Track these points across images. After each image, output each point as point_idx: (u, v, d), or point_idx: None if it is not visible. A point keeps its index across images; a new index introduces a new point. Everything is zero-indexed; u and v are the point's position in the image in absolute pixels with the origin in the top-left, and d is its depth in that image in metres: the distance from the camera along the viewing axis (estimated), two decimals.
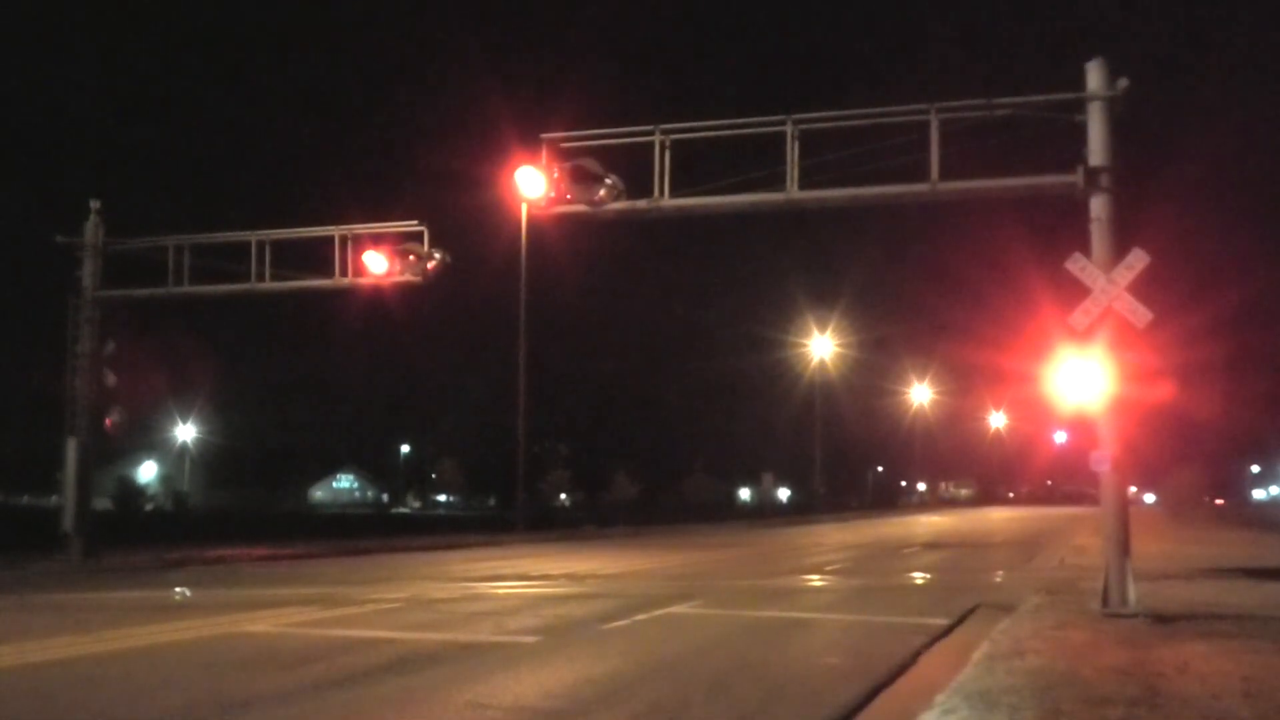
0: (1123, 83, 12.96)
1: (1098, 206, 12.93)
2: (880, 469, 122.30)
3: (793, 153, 15.17)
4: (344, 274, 20.85)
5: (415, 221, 20.61)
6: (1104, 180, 12.91)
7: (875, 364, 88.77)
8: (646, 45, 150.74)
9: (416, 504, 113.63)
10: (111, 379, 23.36)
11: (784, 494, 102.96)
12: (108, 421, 23.55)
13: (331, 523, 58.11)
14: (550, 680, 8.87)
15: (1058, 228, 15.52)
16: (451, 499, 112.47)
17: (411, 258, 20.13)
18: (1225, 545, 28.73)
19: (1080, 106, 13.20)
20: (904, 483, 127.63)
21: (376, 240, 20.59)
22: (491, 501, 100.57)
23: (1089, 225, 12.93)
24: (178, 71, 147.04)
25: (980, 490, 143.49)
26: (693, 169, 15.96)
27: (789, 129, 15.18)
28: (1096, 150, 13.03)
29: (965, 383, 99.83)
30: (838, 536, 39.78)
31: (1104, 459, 12.50)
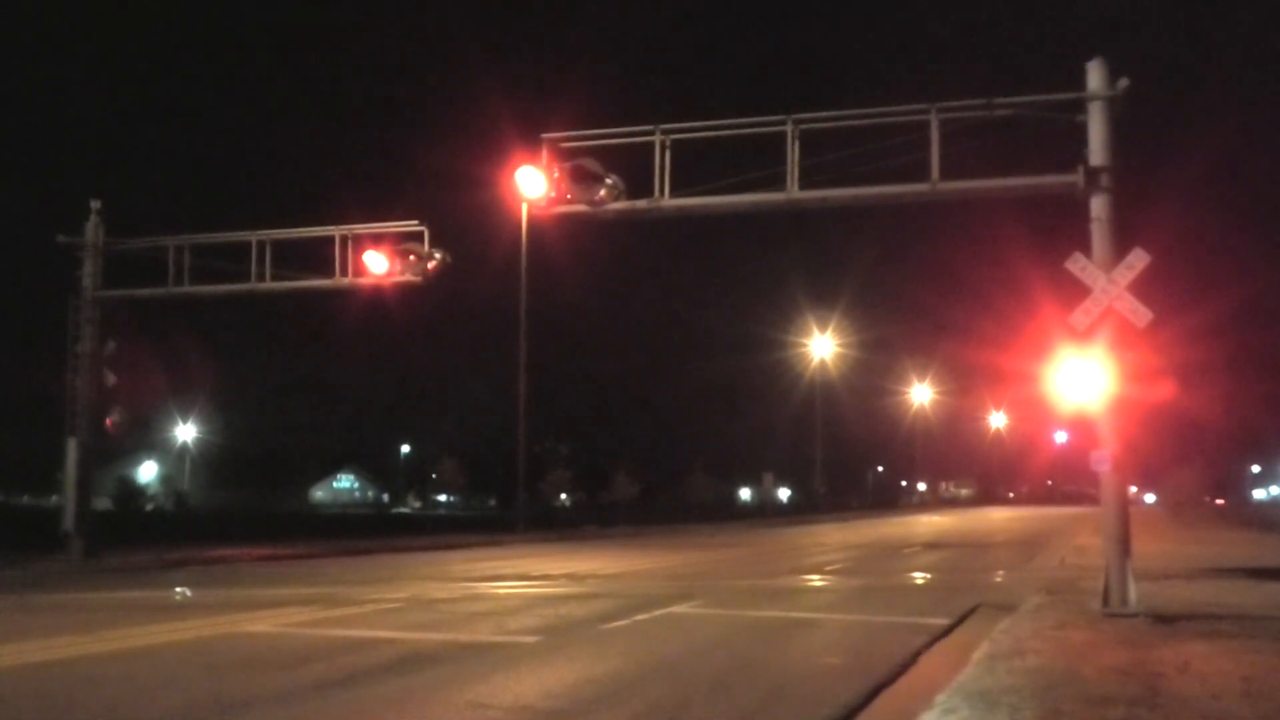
0: (1123, 83, 12.96)
1: (1098, 206, 12.93)
2: (880, 469, 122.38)
3: (793, 152, 15.17)
4: (344, 274, 20.86)
5: (415, 221, 20.63)
6: (1104, 180, 12.91)
7: (876, 364, 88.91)
8: (647, 45, 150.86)
9: (417, 504, 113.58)
10: (112, 379, 23.38)
11: (784, 494, 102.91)
12: (108, 421, 23.57)
13: (332, 523, 58.14)
14: (551, 680, 8.87)
15: (1058, 227, 15.53)
16: (452, 499, 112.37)
17: (412, 258, 20.13)
18: (1225, 545, 28.72)
19: (1080, 106, 13.20)
20: (904, 483, 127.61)
21: (377, 240, 20.60)
22: (492, 501, 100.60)
23: (1089, 225, 12.93)
24: (178, 71, 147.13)
25: (980, 490, 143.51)
26: (693, 169, 15.97)
27: (789, 129, 15.18)
28: (1097, 150, 13.03)
29: (966, 382, 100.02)
30: (838, 536, 39.77)
31: (1104, 459, 12.50)
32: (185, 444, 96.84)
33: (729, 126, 15.83)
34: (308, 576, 19.97)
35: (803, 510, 79.24)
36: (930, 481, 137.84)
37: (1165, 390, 13.14)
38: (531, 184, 15.77)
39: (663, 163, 15.71)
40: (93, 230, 23.40)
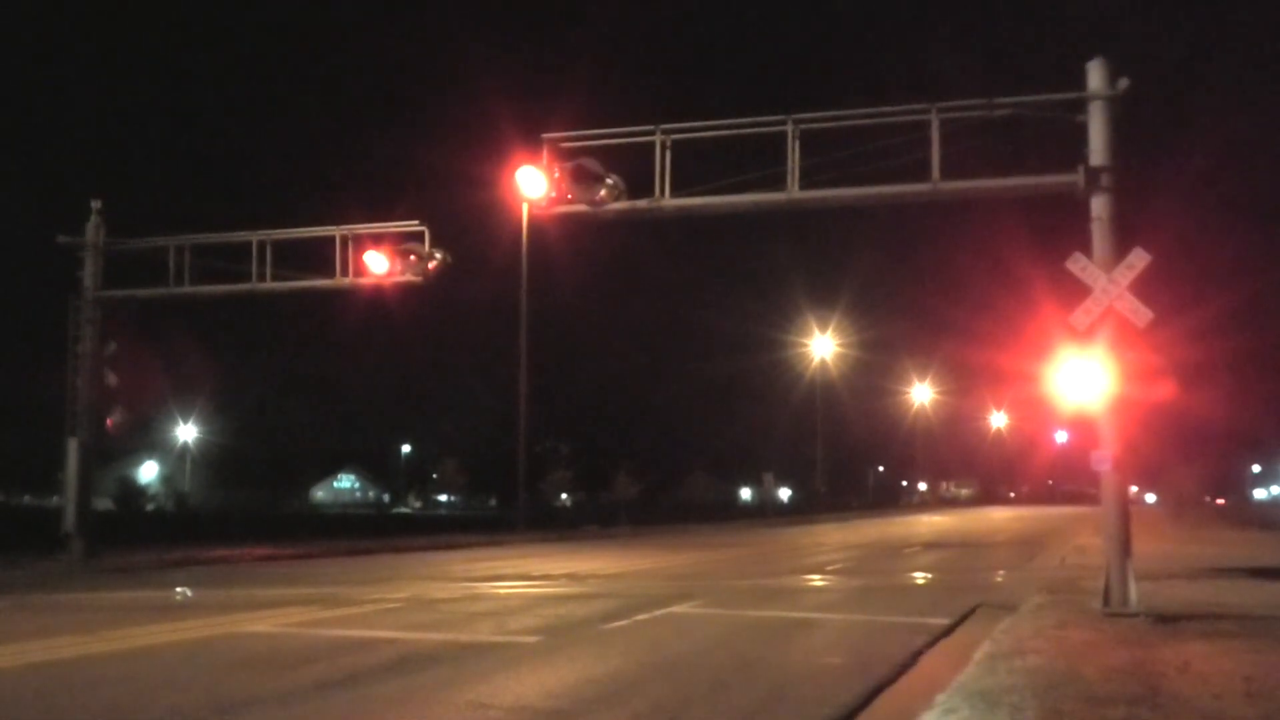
0: (1123, 82, 12.95)
1: (1098, 206, 12.92)
2: (881, 469, 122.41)
3: (794, 152, 15.17)
4: (345, 274, 20.85)
5: (416, 221, 20.62)
6: (1105, 180, 12.90)
7: (876, 364, 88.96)
8: (647, 45, 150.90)
9: (417, 504, 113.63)
10: (112, 379, 23.38)
11: (785, 494, 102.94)
12: (109, 421, 23.58)
13: (332, 523, 58.12)
14: (551, 680, 8.87)
15: (1059, 227, 15.52)
16: (453, 499, 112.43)
17: (412, 258, 20.13)
18: (1226, 545, 28.72)
19: (1081, 106, 13.19)
20: (905, 482, 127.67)
21: (377, 240, 20.60)
22: (493, 501, 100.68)
23: (1090, 225, 12.93)
24: (178, 71, 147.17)
25: (981, 490, 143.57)
26: (693, 169, 15.97)
27: (790, 129, 15.18)
28: (1097, 150, 13.03)
29: (966, 382, 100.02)
30: (838, 536, 39.77)
31: (1105, 458, 12.49)
32: (186, 444, 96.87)
33: (729, 126, 15.82)
34: (308, 576, 19.97)
35: (803, 510, 79.20)
36: (931, 481, 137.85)
37: (1166, 390, 13.12)
38: (532, 184, 15.77)
39: (663, 163, 15.71)
40: (93, 230, 23.40)
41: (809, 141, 15.21)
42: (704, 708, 7.94)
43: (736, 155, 16.30)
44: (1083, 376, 12.51)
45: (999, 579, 19.78)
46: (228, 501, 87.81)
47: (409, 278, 20.39)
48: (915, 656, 10.07)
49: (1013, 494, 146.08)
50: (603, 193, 15.63)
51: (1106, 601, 12.05)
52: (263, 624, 12.45)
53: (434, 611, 14.06)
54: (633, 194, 15.83)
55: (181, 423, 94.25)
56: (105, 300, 23.38)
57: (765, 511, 75.48)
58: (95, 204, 23.54)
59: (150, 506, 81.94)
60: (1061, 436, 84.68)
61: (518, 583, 18.87)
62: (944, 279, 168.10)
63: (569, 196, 15.75)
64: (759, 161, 15.57)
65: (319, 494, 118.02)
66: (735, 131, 15.77)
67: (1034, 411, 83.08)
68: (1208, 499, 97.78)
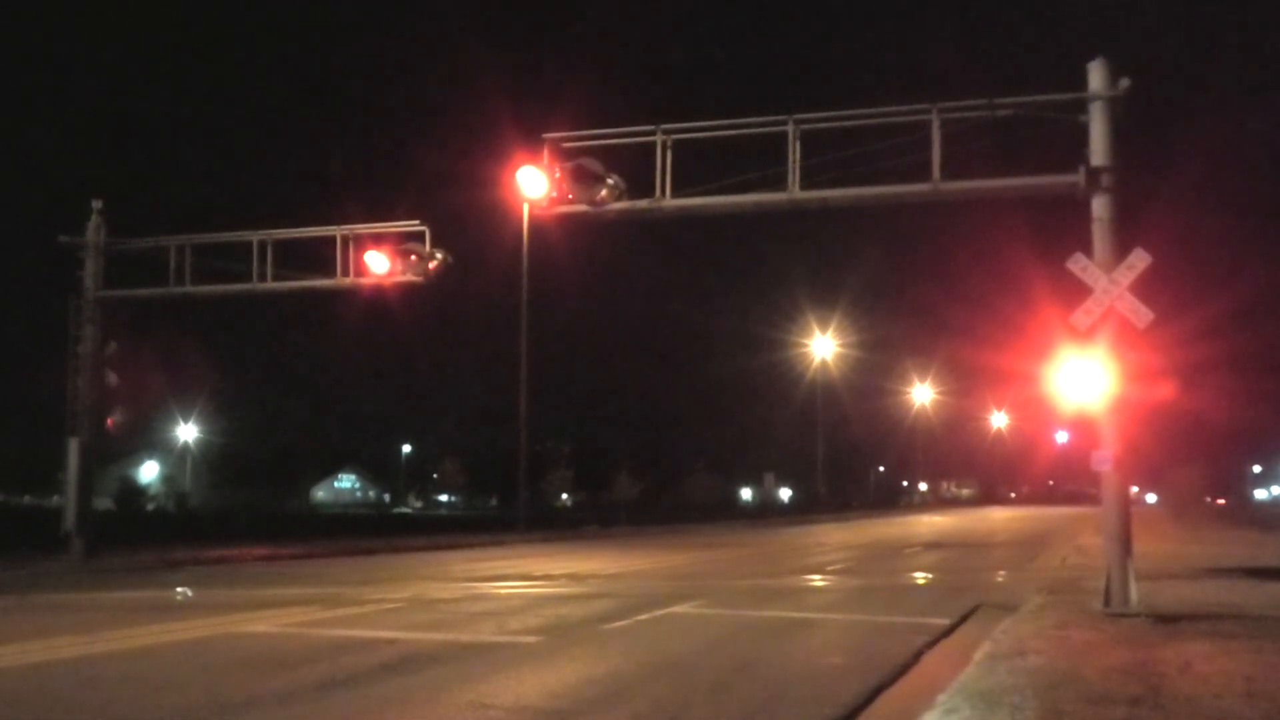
0: (1124, 83, 12.95)
1: (1099, 206, 12.92)
2: (882, 469, 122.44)
3: (794, 153, 15.16)
4: (345, 274, 20.84)
5: (417, 221, 20.62)
6: (1105, 180, 12.90)
7: (877, 364, 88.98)
8: (648, 45, 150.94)
9: (418, 504, 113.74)
10: (113, 379, 23.39)
11: (785, 494, 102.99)
12: (109, 421, 23.58)
13: (333, 523, 58.16)
14: (552, 680, 8.87)
15: (1059, 228, 15.51)
16: (453, 499, 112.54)
17: (413, 257, 20.12)
18: (1227, 545, 28.69)
19: (1082, 106, 13.19)
20: (905, 483, 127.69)
21: (378, 240, 20.60)
22: (493, 501, 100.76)
23: (1091, 225, 12.93)
24: (179, 71, 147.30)
25: (982, 490, 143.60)
26: (694, 169, 15.97)
27: (791, 129, 15.17)
28: (1098, 150, 13.03)
29: (967, 382, 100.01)
30: (839, 536, 39.76)
31: (1105, 459, 12.49)
32: (186, 444, 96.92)
33: (730, 126, 15.82)
34: (309, 576, 19.98)
35: (804, 510, 79.26)
36: (931, 481, 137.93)
37: (1166, 390, 13.14)
38: (533, 184, 15.77)
39: (664, 163, 15.70)
40: (94, 230, 23.40)
41: (810, 141, 15.22)
42: (705, 708, 7.93)
43: (737, 155, 16.32)
44: (1083, 377, 12.51)
45: (1000, 579, 19.78)
46: (228, 501, 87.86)
47: (410, 278, 20.38)
48: (916, 656, 10.07)
49: (1013, 494, 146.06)
50: (603, 193, 15.62)
51: (1107, 601, 12.05)
52: (263, 624, 12.45)
53: (435, 611, 14.06)
54: (633, 194, 15.83)
55: (182, 422, 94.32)
56: (106, 300, 23.39)
57: (766, 511, 75.54)
58: (96, 204, 23.55)
59: (150, 506, 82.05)
60: (1062, 437, 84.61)
61: (518, 583, 18.87)
62: (944, 279, 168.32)
63: (569, 196, 15.75)
64: (760, 161, 15.59)
65: (319, 494, 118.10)
66: (736, 131, 15.77)
67: (1034, 412, 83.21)
68: (1208, 499, 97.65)
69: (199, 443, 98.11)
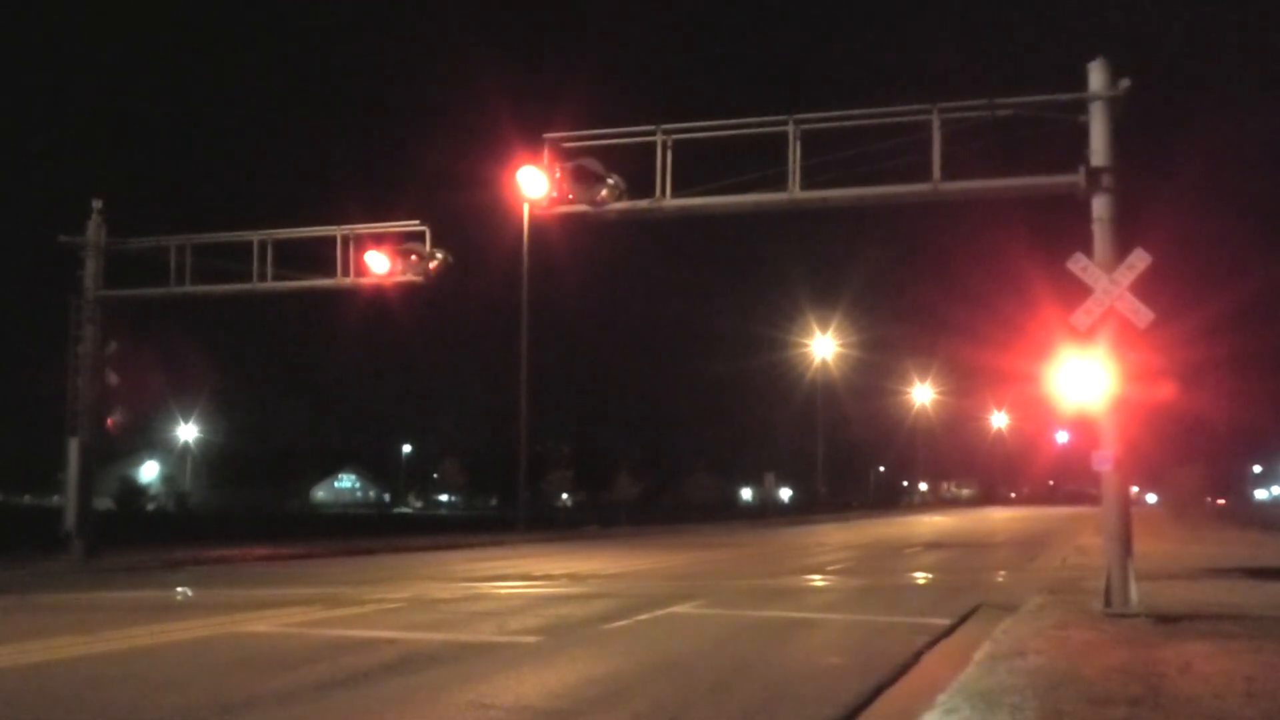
0: (1125, 83, 12.95)
1: (1100, 207, 12.92)
2: (882, 469, 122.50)
3: (795, 153, 15.15)
4: (346, 274, 20.85)
5: (417, 221, 20.63)
6: (1106, 180, 12.90)
7: (877, 364, 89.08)
8: (648, 45, 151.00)
9: (418, 504, 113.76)
10: (113, 379, 23.39)
11: (786, 494, 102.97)
12: (109, 421, 23.59)
13: (333, 523, 58.19)
14: (552, 680, 8.87)
15: (1059, 228, 15.52)
16: (453, 499, 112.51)
17: (413, 257, 20.13)
18: (1227, 545, 28.69)
19: (1082, 107, 13.18)
20: (905, 483, 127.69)
21: (378, 240, 20.60)
22: (493, 501, 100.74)
23: (1091, 225, 12.92)
24: (178, 71, 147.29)
25: (982, 490, 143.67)
26: (694, 169, 15.96)
27: (791, 129, 15.17)
28: (1098, 150, 13.02)
29: (967, 383, 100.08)
30: (839, 536, 39.76)
31: (1106, 459, 12.49)
32: (186, 444, 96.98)
33: (731, 126, 15.81)
34: (309, 576, 19.98)
35: (804, 510, 79.28)
36: (931, 481, 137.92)
37: (1166, 390, 13.16)
38: (533, 184, 15.76)
39: (664, 163, 15.70)
40: (94, 230, 23.41)
41: (810, 141, 15.21)
42: (705, 707, 7.93)
43: (737, 155, 16.32)
44: (1084, 377, 12.50)
45: (1000, 579, 19.78)
46: (228, 501, 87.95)
47: (410, 277, 20.39)
48: (916, 656, 10.07)
49: (1013, 494, 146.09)
50: (604, 193, 15.62)
51: (1107, 602, 12.05)
52: (263, 624, 12.45)
53: (435, 611, 14.06)
54: (634, 194, 15.82)
55: (182, 423, 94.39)
56: (106, 300, 23.39)
57: (766, 511, 75.52)
58: (96, 204, 23.55)
59: (151, 506, 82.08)
60: (1062, 437, 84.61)
61: (518, 583, 18.87)
62: (945, 279, 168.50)
63: (570, 196, 15.74)
64: (760, 161, 15.58)
65: (319, 494, 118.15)
66: (736, 131, 15.77)
67: (1035, 412, 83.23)
68: (1208, 499, 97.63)
69: (199, 443, 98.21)
